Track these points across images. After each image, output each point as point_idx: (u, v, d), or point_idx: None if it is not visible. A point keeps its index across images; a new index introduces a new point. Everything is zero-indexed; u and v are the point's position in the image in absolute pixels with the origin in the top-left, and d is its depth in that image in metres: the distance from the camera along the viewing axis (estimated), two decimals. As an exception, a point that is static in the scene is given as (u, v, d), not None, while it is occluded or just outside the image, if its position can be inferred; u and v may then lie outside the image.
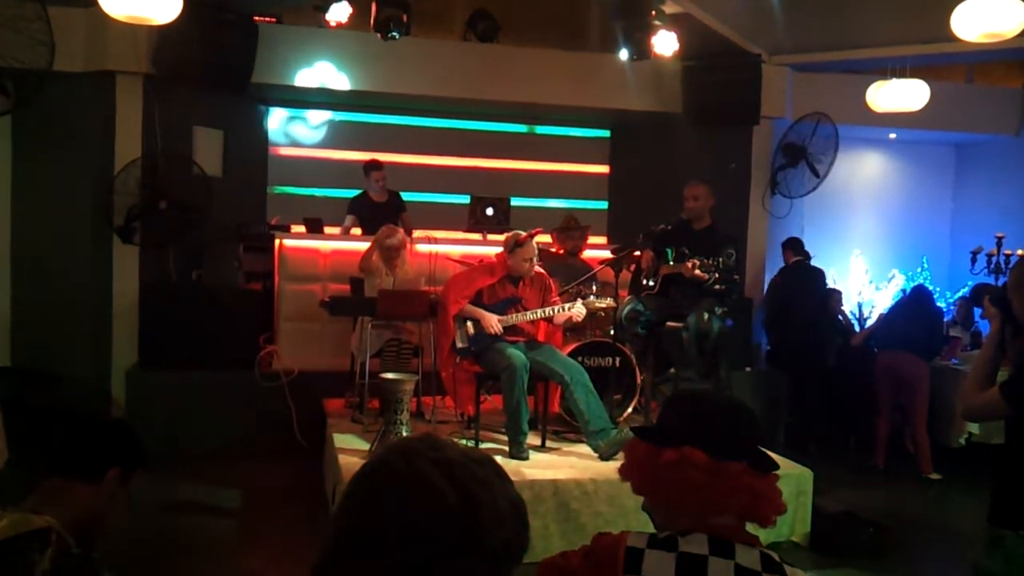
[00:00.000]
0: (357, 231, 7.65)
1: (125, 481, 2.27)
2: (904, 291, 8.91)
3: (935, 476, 7.07)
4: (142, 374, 7.09)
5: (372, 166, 7.78)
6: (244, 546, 5.17)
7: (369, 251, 6.45)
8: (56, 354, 7.38)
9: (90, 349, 7.44)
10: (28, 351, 7.50)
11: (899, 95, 7.87)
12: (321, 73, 7.91)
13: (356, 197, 7.82)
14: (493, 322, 5.52)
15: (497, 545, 1.05)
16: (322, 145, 8.92)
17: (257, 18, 7.70)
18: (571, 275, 6.46)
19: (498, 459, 1.16)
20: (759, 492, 1.65)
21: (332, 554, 1.06)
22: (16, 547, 1.95)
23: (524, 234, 5.63)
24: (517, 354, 5.36)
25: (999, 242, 8.70)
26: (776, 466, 1.72)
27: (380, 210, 7.63)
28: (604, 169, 9.63)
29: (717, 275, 5.72)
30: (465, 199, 7.96)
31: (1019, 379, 2.66)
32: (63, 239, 7.52)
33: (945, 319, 8.32)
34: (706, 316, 5.85)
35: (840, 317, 8.48)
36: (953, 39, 6.09)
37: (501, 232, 7.29)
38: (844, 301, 8.73)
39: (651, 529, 1.70)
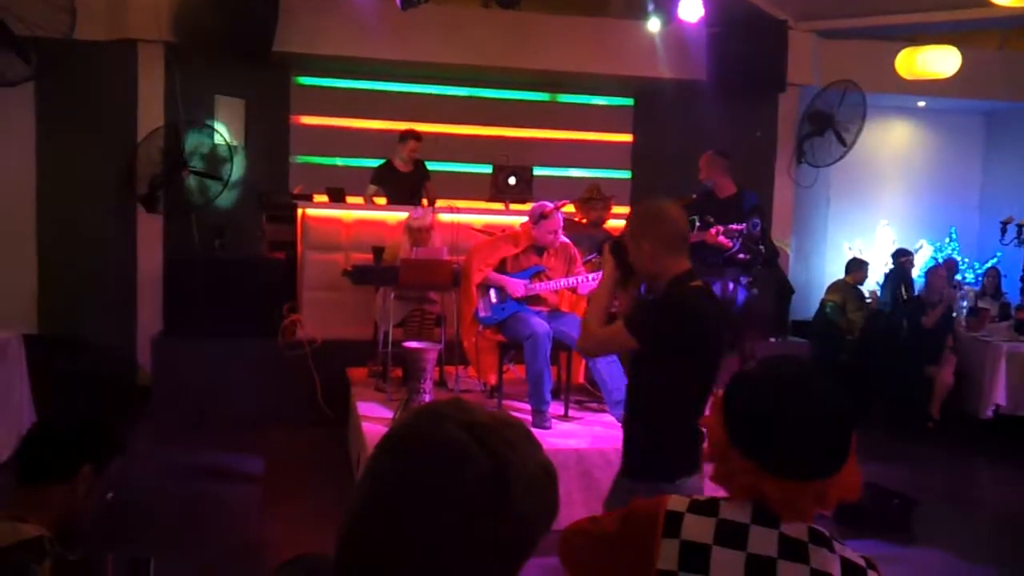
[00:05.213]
0: (382, 200, 7.63)
1: (100, 473, 2.22)
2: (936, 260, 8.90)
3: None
4: (167, 342, 7.14)
5: (412, 135, 7.69)
6: (268, 513, 5.23)
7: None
8: (82, 322, 7.45)
9: (115, 317, 7.50)
10: (54, 319, 7.57)
11: (929, 62, 7.72)
12: (343, 41, 7.86)
13: (380, 167, 7.75)
14: (519, 286, 5.51)
15: (527, 510, 1.03)
16: (344, 114, 8.88)
17: (279, -15, 7.65)
18: (594, 245, 6.41)
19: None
20: None
21: (359, 519, 1.04)
22: (11, 561, 1.92)
23: (550, 206, 5.59)
24: (540, 323, 5.34)
25: (1030, 212, 8.58)
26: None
27: (405, 179, 7.60)
28: (627, 138, 9.53)
29: (741, 242, 5.66)
30: (487, 168, 7.90)
31: (637, 311, 2.89)
32: (87, 208, 7.57)
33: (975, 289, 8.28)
34: (731, 286, 5.80)
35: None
36: (986, 3, 5.96)
37: (524, 201, 7.25)
38: (870, 272, 8.64)
39: None
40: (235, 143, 7.85)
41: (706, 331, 2.80)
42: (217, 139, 7.64)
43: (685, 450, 2.78)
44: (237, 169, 7.72)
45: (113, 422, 2.35)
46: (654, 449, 2.83)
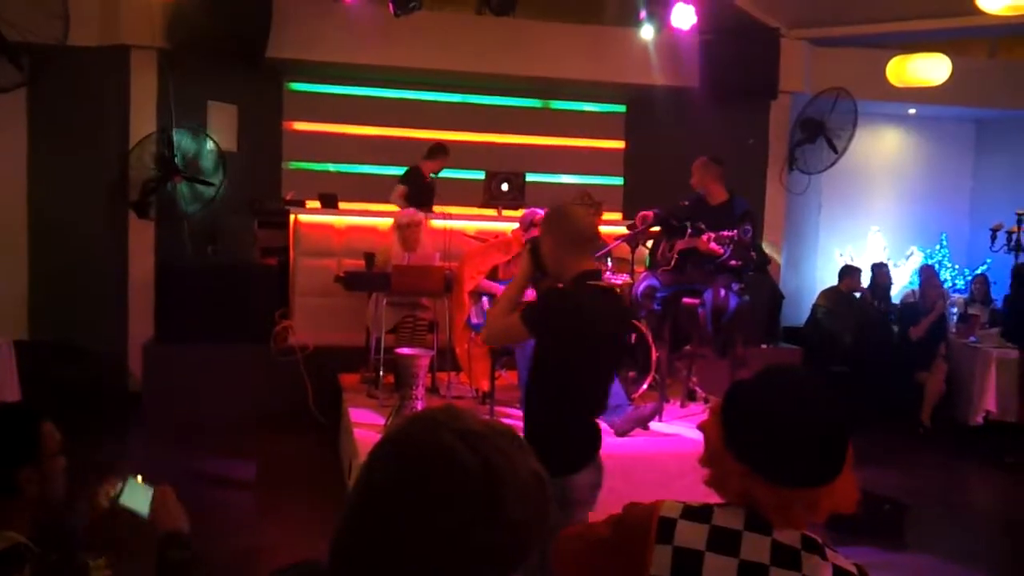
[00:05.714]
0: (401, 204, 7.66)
1: (40, 459, 2.14)
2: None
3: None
4: (159, 348, 7.13)
5: (444, 151, 7.82)
6: (260, 519, 5.21)
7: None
8: (74, 328, 7.41)
9: (107, 323, 7.48)
10: (46, 325, 7.53)
11: (920, 70, 7.77)
12: (336, 47, 7.86)
13: (409, 171, 7.83)
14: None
15: (519, 517, 1.04)
16: (337, 120, 8.87)
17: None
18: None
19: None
20: None
21: (352, 525, 1.04)
22: None
23: (541, 213, 5.60)
24: (532, 329, 5.34)
25: (1020, 219, 8.59)
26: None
27: (426, 187, 7.72)
28: (620, 144, 9.55)
29: (732, 248, 5.66)
30: (480, 174, 7.91)
31: (534, 307, 3.00)
32: (79, 214, 7.54)
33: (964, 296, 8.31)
34: (722, 292, 5.81)
35: (859, 295, 8.44)
36: (976, 12, 5.99)
37: (516, 207, 7.26)
38: (862, 279, 8.67)
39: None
40: (227, 149, 7.84)
41: (592, 329, 2.88)
42: (209, 145, 7.63)
43: (568, 446, 2.82)
44: (229, 175, 7.70)
45: (9, 409, 2.25)
46: (539, 445, 2.80)
